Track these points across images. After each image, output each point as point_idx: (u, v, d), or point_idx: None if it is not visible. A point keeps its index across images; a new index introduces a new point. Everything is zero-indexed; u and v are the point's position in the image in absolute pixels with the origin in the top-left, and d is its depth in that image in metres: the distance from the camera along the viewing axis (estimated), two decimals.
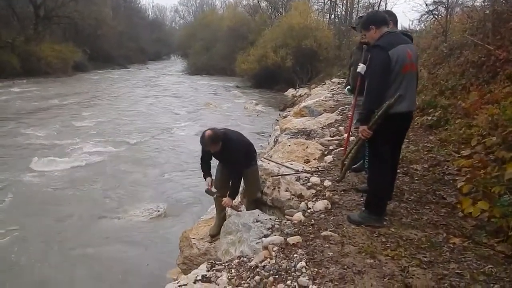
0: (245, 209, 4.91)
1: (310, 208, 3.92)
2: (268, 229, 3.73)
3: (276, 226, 3.76)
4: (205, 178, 4.69)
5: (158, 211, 7.29)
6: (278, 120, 13.18)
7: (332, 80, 17.74)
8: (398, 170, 4.28)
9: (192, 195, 8.17)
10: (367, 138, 3.27)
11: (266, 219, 3.91)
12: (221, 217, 4.66)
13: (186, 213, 7.30)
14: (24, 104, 18.59)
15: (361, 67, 4.33)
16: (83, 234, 6.43)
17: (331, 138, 6.62)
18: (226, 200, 4.46)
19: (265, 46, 27.50)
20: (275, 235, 3.39)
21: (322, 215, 3.69)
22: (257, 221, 3.85)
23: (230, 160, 4.50)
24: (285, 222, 3.75)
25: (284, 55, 25.95)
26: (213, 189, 4.60)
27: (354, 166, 4.57)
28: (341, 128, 7.26)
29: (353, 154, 3.50)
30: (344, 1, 31.79)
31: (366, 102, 3.25)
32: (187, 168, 9.92)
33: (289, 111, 14.86)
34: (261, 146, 10.50)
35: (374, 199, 3.42)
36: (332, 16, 33.77)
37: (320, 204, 3.86)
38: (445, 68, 8.68)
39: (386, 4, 28.02)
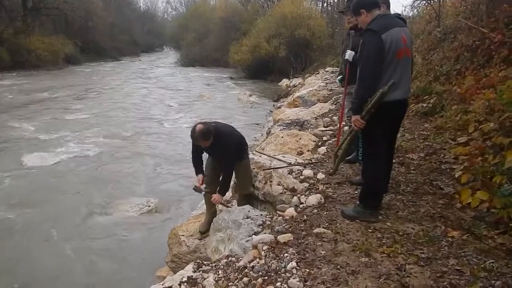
0: (236, 204, 4.74)
1: (302, 203, 3.76)
2: (259, 225, 3.57)
3: (267, 222, 3.60)
4: (196, 174, 4.52)
5: (149, 205, 7.13)
6: (271, 111, 13.00)
7: (326, 69, 17.49)
8: (394, 160, 4.13)
9: (184, 189, 8.00)
10: (360, 129, 3.09)
11: (257, 215, 3.75)
12: (211, 213, 4.50)
13: (177, 207, 7.14)
14: (13, 97, 18.29)
15: (348, 54, 4.14)
16: (71, 229, 6.27)
17: (324, 129, 6.45)
18: (215, 196, 4.29)
19: (258, 36, 27.16)
20: (265, 233, 3.23)
21: (315, 210, 3.53)
22: (247, 218, 3.69)
23: (221, 154, 4.33)
24: (277, 219, 3.59)
25: (277, 45, 25.64)
26: (203, 187, 4.42)
27: (348, 158, 4.40)
28: (335, 118, 7.08)
29: (346, 146, 3.32)
30: None
31: (358, 90, 3.06)
32: (179, 161, 9.75)
33: (283, 102, 14.68)
34: (254, 137, 10.32)
35: (369, 192, 3.25)
36: (325, 4, 33.41)
37: (313, 199, 3.69)
38: (439, 53, 8.51)
39: None
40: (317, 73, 17.51)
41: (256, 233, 3.43)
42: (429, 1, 12.98)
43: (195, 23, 43.93)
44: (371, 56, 2.97)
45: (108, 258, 5.48)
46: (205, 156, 4.53)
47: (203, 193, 4.45)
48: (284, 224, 3.38)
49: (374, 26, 3.03)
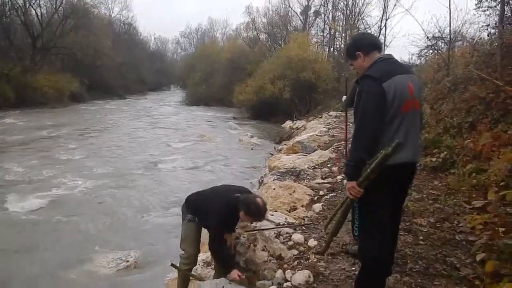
0: (214, 272, 4.05)
1: (288, 281, 3.08)
2: None
3: None
4: (230, 270, 3.49)
5: (128, 261, 6.39)
6: (272, 154, 12.45)
7: (329, 113, 17.06)
8: (400, 226, 3.47)
9: (170, 240, 7.30)
10: (357, 197, 2.47)
11: None
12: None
13: (159, 264, 6.31)
14: (10, 136, 17.89)
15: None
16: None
17: (322, 181, 5.82)
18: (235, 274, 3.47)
19: (263, 77, 27.13)
20: None
21: None
22: None
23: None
24: None
25: (281, 86, 25.50)
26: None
27: None
28: (334, 168, 6.47)
29: (340, 219, 2.66)
30: (343, 35, 31.70)
31: (354, 151, 2.43)
32: (170, 208, 9.10)
33: (284, 144, 14.17)
34: (251, 183, 9.70)
35: (367, 278, 2.57)
36: (332, 48, 33.65)
37: (300, 276, 3.02)
38: (449, 103, 8.02)
39: (385, 38, 27.75)
40: (320, 117, 17.06)
41: None
42: (437, 50, 12.70)
43: (202, 63, 44.51)
44: (369, 110, 2.37)
45: None
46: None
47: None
48: None
49: (373, 72, 2.45)
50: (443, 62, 10.45)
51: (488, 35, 8.56)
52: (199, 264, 4.58)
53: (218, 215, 3.56)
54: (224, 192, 3.86)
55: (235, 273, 3.45)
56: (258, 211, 3.46)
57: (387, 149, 2.30)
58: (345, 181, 4.47)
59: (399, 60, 2.94)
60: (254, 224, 4.07)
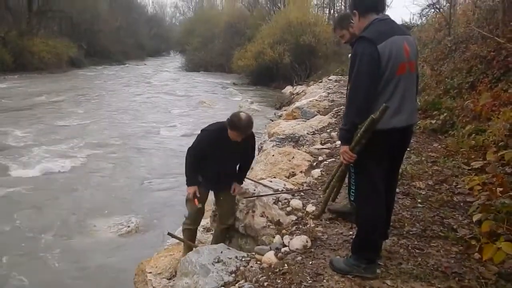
0: (212, 239, 4.08)
1: (285, 246, 3.10)
2: (231, 273, 2.94)
3: (241, 268, 2.97)
4: (192, 184, 3.73)
5: (129, 226, 6.50)
6: (272, 120, 12.41)
7: (329, 78, 16.81)
8: (398, 190, 3.47)
9: (170, 206, 7.39)
10: (350, 162, 2.43)
11: (230, 258, 3.11)
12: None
13: (160, 229, 6.42)
14: (9, 100, 17.85)
15: None
16: (37, 254, 5.64)
17: (321, 147, 5.78)
18: (237, 187, 3.84)
19: (263, 42, 26.66)
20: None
21: (299, 258, 2.87)
22: (218, 262, 3.05)
23: (244, 150, 3.81)
24: (251, 267, 2.94)
25: (281, 51, 25.10)
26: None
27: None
28: (333, 134, 6.42)
29: (336, 183, 2.64)
30: None
31: (348, 115, 2.39)
32: (170, 173, 9.16)
33: (285, 110, 14.07)
34: None
35: (364, 242, 2.57)
36: (332, 11, 32.84)
37: (298, 241, 3.03)
38: (449, 64, 7.89)
39: None
40: (320, 81, 16.86)
41: (225, 284, 2.81)
42: (438, 9, 12.38)
43: (201, 27, 43.67)
44: (364, 73, 2.30)
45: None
46: None
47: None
48: (260, 275, 2.74)
49: (368, 33, 2.36)
50: (444, 21, 10.20)
51: None
52: (198, 230, 4.63)
53: (205, 130, 3.73)
54: None
55: (192, 189, 3.69)
56: (239, 124, 3.46)
57: (376, 113, 2.25)
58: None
59: (401, 21, 2.83)
60: (252, 191, 4.07)
